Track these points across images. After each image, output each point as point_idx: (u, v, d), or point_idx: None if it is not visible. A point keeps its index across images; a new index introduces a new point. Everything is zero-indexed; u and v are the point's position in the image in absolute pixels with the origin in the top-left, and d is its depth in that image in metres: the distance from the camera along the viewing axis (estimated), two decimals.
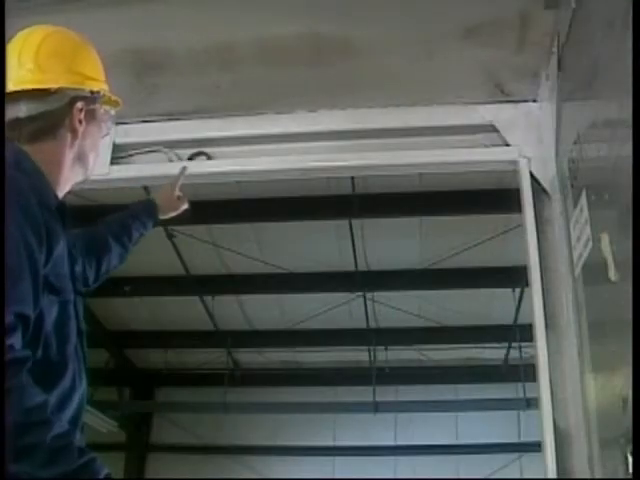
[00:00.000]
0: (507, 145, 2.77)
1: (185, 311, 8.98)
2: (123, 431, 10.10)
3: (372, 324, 9.18)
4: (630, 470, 1.46)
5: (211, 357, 9.86)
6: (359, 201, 6.64)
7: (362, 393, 9.48)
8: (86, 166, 1.84)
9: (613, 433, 1.67)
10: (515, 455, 9.39)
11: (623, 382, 1.53)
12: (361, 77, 2.73)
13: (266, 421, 9.97)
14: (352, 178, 6.21)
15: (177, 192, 2.47)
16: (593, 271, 1.91)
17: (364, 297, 8.56)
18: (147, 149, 3.02)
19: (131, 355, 10.31)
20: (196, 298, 8.70)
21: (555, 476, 2.30)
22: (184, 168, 2.54)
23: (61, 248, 1.60)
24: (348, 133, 2.91)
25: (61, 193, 1.77)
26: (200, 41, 2.57)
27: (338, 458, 10.03)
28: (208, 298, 8.78)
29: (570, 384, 2.34)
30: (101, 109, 1.86)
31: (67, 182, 1.79)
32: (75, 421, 1.58)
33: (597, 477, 2.02)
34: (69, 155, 1.77)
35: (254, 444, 10.01)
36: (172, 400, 10.47)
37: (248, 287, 8.48)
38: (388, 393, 9.62)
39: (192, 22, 2.49)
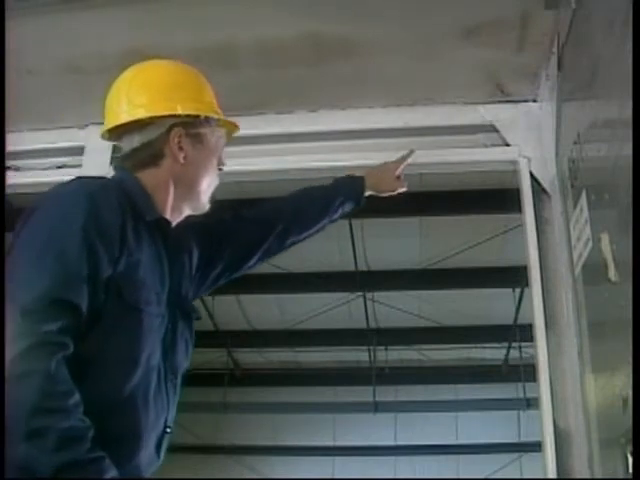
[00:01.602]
0: (507, 145, 2.77)
1: None
2: None
3: (372, 324, 9.18)
4: (630, 470, 1.46)
5: (211, 357, 9.86)
6: None
7: (362, 393, 9.50)
8: (196, 192, 1.79)
9: (613, 433, 1.67)
10: (515, 455, 9.39)
11: (623, 382, 1.53)
12: (361, 77, 2.73)
13: (266, 421, 9.97)
14: None
15: (399, 172, 2.41)
16: (593, 271, 1.90)
17: (364, 297, 8.56)
18: None
19: None
20: None
21: (555, 476, 2.30)
22: (412, 150, 2.46)
23: (144, 257, 1.61)
24: (348, 133, 2.91)
25: (173, 218, 1.77)
26: (200, 41, 2.57)
27: (338, 458, 10.04)
28: (208, 298, 8.77)
29: (570, 384, 2.34)
30: (209, 132, 1.81)
31: (177, 208, 1.78)
32: (143, 437, 1.59)
33: (597, 477, 2.02)
34: (172, 181, 1.75)
35: (254, 444, 10.01)
36: None
37: (248, 287, 8.47)
38: (388, 393, 9.64)
39: (192, 22, 2.49)
